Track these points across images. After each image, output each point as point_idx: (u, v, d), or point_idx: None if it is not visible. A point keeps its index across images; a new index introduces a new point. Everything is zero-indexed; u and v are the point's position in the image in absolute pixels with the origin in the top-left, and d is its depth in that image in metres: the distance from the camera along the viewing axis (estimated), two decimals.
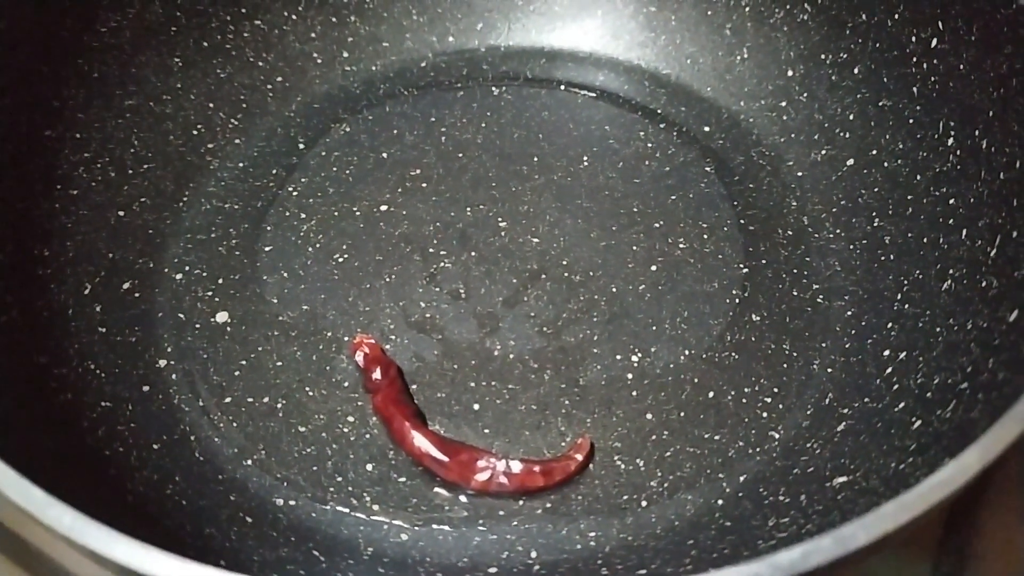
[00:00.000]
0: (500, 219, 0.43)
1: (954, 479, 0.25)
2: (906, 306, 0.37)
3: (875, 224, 0.40)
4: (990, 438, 0.26)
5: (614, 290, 0.40)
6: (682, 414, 0.37)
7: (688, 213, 0.43)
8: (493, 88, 0.48)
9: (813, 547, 0.24)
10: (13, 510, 0.26)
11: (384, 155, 0.45)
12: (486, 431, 0.37)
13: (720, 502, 0.34)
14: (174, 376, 0.38)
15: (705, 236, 0.42)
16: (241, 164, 0.45)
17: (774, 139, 0.45)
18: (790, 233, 0.42)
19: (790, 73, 0.45)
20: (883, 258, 0.39)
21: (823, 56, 0.44)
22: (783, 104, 0.45)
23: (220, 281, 0.41)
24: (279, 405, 0.37)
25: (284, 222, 0.43)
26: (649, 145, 0.45)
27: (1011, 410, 0.26)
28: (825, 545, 0.24)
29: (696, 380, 0.38)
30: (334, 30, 0.48)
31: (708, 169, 0.44)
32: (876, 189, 0.41)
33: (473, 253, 0.42)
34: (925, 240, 0.38)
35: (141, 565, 0.24)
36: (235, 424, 0.37)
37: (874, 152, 0.41)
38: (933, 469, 0.25)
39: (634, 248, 0.41)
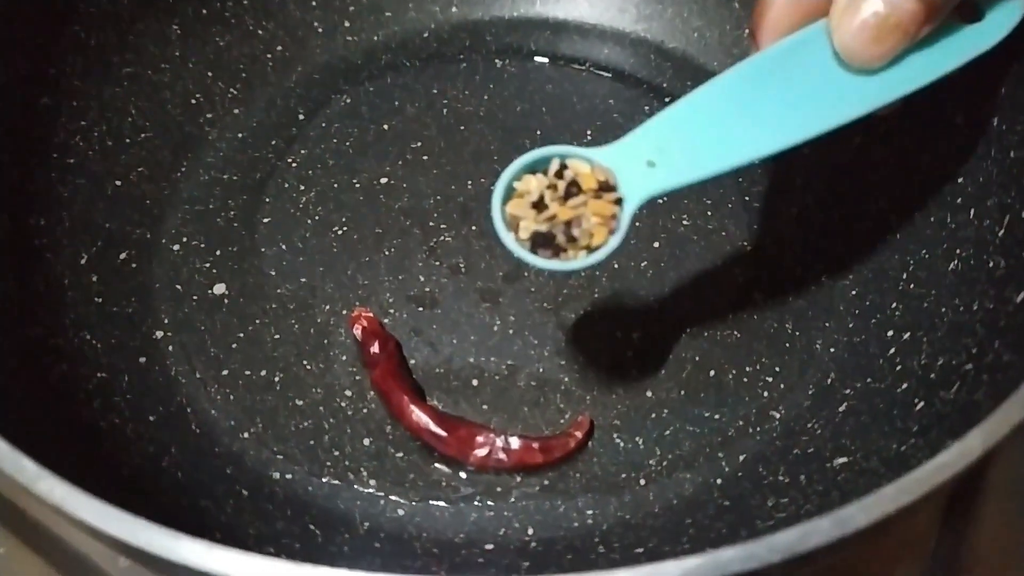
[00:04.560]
0: None
1: (956, 462, 0.25)
2: (911, 286, 0.37)
3: (881, 203, 0.40)
4: (993, 421, 0.25)
5: (615, 266, 0.40)
6: (682, 392, 0.36)
7: (692, 189, 0.42)
8: (496, 60, 0.47)
9: (812, 528, 0.23)
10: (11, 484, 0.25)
11: (385, 127, 0.45)
12: (484, 407, 0.36)
13: (719, 481, 0.34)
14: (171, 348, 0.38)
15: (709, 213, 0.41)
16: (240, 135, 0.44)
17: None
18: (794, 211, 0.41)
19: None
20: (888, 237, 0.39)
21: None
22: None
23: (218, 253, 0.40)
24: (276, 378, 0.37)
25: (283, 194, 0.42)
26: None
27: (1015, 393, 0.26)
28: (824, 526, 0.23)
29: (697, 358, 0.37)
30: None
31: None
32: (883, 167, 0.40)
33: (474, 227, 0.41)
34: (932, 219, 0.37)
35: (134, 538, 0.23)
36: (232, 397, 0.37)
37: (882, 129, 0.41)
38: (935, 451, 0.25)
39: (637, 224, 0.41)
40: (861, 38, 0.28)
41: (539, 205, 0.28)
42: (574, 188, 0.28)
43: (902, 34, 0.28)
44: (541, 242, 0.28)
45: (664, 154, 0.29)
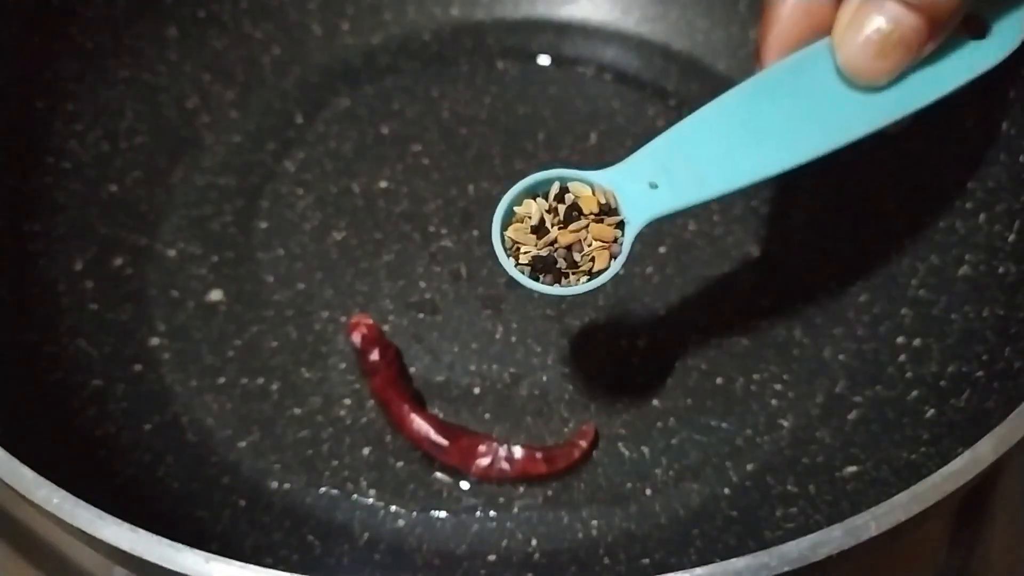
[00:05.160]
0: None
1: (968, 469, 0.25)
2: (921, 292, 0.36)
3: (890, 208, 0.39)
4: (1005, 428, 0.25)
5: (620, 273, 0.39)
6: (689, 401, 0.36)
7: None
8: (498, 62, 0.46)
9: (824, 538, 0.23)
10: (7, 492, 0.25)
11: (384, 130, 0.44)
12: (486, 416, 0.36)
13: (726, 491, 0.34)
14: (166, 356, 0.37)
15: (715, 218, 0.41)
16: (237, 138, 0.43)
17: None
18: (802, 216, 0.41)
19: None
20: (897, 242, 0.38)
21: None
22: None
23: (214, 259, 0.40)
24: (273, 387, 0.36)
25: (280, 199, 0.42)
26: (659, 123, 0.44)
27: None
28: (836, 536, 0.23)
29: (704, 366, 0.37)
30: (334, 0, 0.46)
31: None
32: (891, 170, 0.40)
33: (475, 232, 0.41)
34: (942, 224, 0.37)
35: (131, 546, 0.23)
36: (228, 405, 0.36)
37: (891, 133, 0.40)
38: (945, 460, 0.24)
39: (641, 230, 0.40)
40: (865, 55, 0.28)
41: (539, 230, 0.28)
42: (575, 212, 0.28)
43: (905, 50, 0.28)
44: (541, 267, 0.28)
45: (667, 175, 0.28)
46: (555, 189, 0.28)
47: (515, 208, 0.28)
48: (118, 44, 0.42)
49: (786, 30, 0.30)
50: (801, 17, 0.30)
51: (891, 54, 0.28)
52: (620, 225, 0.28)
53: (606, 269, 0.28)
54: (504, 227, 0.28)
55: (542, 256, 0.28)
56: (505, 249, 0.28)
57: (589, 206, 0.28)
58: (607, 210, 0.28)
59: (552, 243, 0.28)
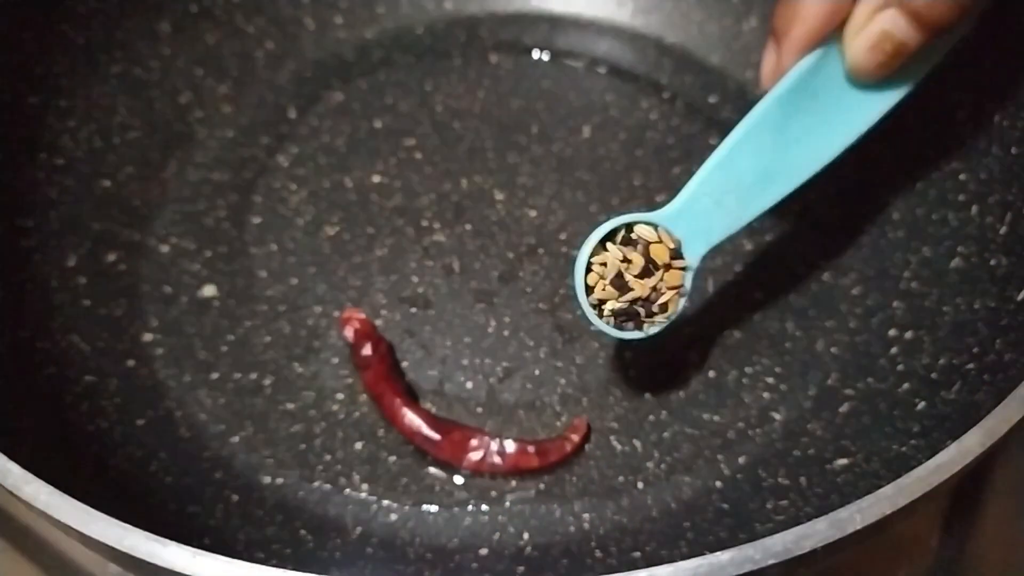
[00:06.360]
0: (496, 191, 0.42)
1: (955, 462, 0.24)
2: (913, 284, 0.36)
3: (882, 200, 0.39)
4: (993, 420, 0.25)
5: None
6: (681, 394, 0.36)
7: None
8: (491, 56, 0.46)
9: (809, 530, 0.23)
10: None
11: (377, 124, 0.44)
12: (479, 410, 0.36)
13: (718, 484, 0.34)
14: (159, 351, 0.37)
15: None
16: (230, 133, 0.43)
17: None
18: (796, 209, 0.41)
19: None
20: (891, 235, 0.38)
21: None
22: None
23: (207, 254, 0.40)
24: (266, 381, 0.36)
25: (273, 193, 0.42)
26: (652, 116, 0.44)
27: (1014, 392, 0.26)
28: (821, 529, 0.23)
29: (697, 359, 0.37)
30: None
31: (713, 141, 0.43)
32: (884, 163, 0.40)
33: (468, 226, 0.41)
34: (934, 216, 0.37)
35: (119, 543, 0.23)
36: (221, 400, 0.36)
37: (884, 125, 0.40)
38: (935, 452, 0.24)
39: None
40: (871, 62, 0.29)
41: (616, 280, 0.29)
42: (651, 265, 0.29)
43: (908, 57, 0.29)
44: (624, 318, 0.30)
45: (718, 204, 0.30)
46: (621, 232, 0.29)
47: (591, 259, 0.29)
48: (110, 39, 0.42)
49: (815, 27, 0.30)
50: (828, 13, 0.30)
51: (895, 62, 0.29)
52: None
53: (677, 309, 0.30)
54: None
55: (624, 309, 0.29)
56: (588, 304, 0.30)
57: (662, 256, 0.29)
58: (675, 255, 0.30)
59: (632, 297, 0.29)
